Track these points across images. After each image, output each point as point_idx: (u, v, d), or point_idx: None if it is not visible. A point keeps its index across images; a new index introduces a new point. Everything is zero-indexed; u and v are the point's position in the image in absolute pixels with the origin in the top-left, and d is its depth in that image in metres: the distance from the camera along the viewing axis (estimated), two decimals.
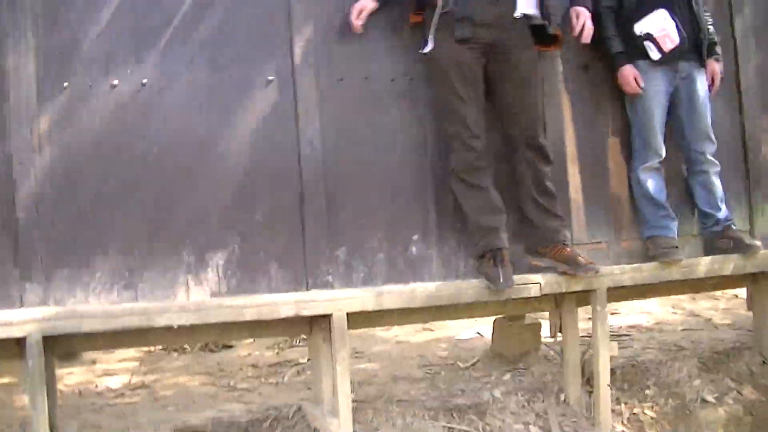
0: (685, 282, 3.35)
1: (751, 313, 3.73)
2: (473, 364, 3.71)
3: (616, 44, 3.25)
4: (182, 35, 2.72)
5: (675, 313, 4.69)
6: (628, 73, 3.23)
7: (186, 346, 4.24)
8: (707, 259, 3.31)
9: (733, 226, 3.36)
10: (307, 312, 2.66)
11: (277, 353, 4.18)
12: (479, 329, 4.29)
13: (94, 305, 2.55)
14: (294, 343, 4.31)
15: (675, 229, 3.28)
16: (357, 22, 2.85)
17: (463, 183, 2.91)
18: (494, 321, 3.77)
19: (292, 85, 2.83)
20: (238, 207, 2.75)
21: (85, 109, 2.61)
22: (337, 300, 2.68)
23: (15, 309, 2.46)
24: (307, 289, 2.77)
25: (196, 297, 2.66)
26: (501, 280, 2.78)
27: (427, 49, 2.87)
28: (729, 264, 3.31)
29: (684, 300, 4.83)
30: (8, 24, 2.52)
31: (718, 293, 4.85)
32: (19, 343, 2.37)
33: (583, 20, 3.02)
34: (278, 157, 2.81)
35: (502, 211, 2.93)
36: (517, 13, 2.86)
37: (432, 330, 4.47)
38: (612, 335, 3.53)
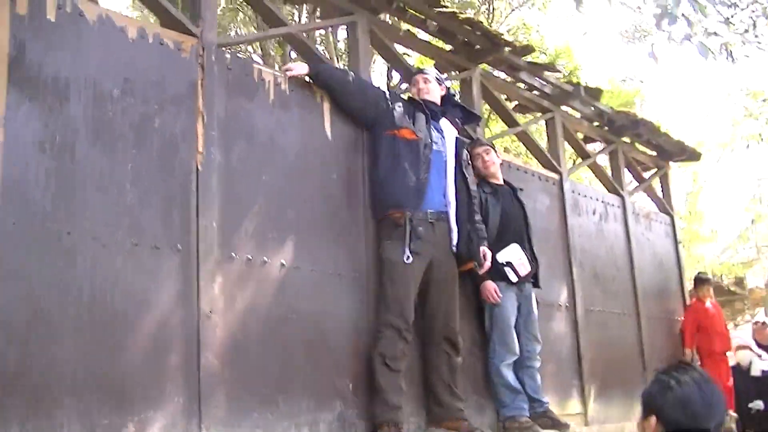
0: None
1: None
2: None
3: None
4: (306, 232, 3.49)
5: None
6: (491, 287, 4.11)
7: None
8: None
9: (551, 409, 4.22)
10: None
11: None
12: None
13: None
14: None
15: (527, 409, 4.08)
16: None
17: (386, 366, 3.45)
18: None
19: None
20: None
21: (249, 276, 3.20)
22: None
23: None
24: None
25: None
26: None
27: (409, 261, 3.56)
28: None
29: None
30: (201, 207, 3.10)
31: None
32: None
33: (488, 257, 4.05)
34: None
35: (405, 392, 3.54)
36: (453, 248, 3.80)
37: None
38: None
